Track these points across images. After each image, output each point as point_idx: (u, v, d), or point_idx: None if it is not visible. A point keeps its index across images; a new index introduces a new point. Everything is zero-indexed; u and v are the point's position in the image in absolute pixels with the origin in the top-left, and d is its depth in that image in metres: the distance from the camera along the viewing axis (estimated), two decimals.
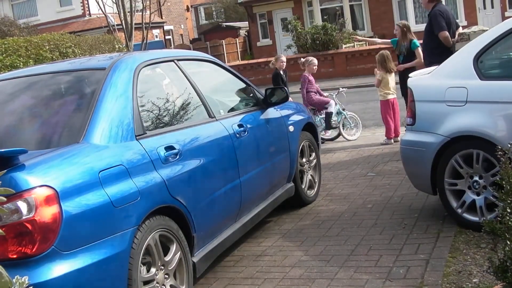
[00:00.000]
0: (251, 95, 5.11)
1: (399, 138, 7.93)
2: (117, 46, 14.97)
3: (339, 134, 9.08)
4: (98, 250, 2.88)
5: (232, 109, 4.84)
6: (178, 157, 3.63)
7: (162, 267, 3.34)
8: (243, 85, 5.15)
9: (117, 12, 16.47)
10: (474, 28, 20.03)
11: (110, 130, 3.29)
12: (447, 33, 6.88)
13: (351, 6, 26.11)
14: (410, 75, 5.09)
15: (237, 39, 32.44)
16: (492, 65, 4.62)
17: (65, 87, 3.78)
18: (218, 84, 5.10)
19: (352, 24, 25.64)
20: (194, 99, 4.26)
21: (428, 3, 7.12)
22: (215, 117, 4.32)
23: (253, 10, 28.66)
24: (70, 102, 3.64)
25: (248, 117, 4.76)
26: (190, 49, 27.65)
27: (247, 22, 30.71)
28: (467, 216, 4.40)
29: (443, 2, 9.53)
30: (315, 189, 5.85)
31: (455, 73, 4.55)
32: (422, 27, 8.81)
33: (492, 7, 24.75)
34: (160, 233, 3.32)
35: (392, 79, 8.30)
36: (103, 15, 17.32)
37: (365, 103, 11.85)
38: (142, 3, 16.98)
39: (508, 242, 2.87)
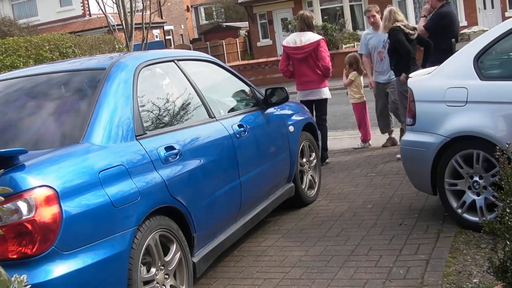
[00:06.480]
0: (251, 95, 5.11)
1: (371, 142, 8.20)
2: (117, 46, 14.98)
3: None
4: (98, 250, 2.88)
5: (232, 109, 4.84)
6: (178, 157, 3.63)
7: (162, 267, 3.34)
8: (243, 85, 5.15)
9: (117, 12, 16.49)
10: (474, 28, 20.03)
11: (110, 130, 3.29)
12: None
13: (351, 6, 26.12)
14: (410, 75, 5.08)
15: (237, 39, 32.42)
16: (492, 65, 4.61)
17: (65, 87, 3.78)
18: (218, 84, 5.10)
19: (352, 24, 25.65)
20: (194, 99, 4.25)
21: (437, 1, 7.07)
22: (215, 117, 4.32)
23: (253, 10, 28.68)
24: (70, 102, 3.64)
25: (248, 117, 4.76)
26: (190, 49, 27.64)
27: (247, 22, 30.72)
28: (467, 216, 4.40)
29: None
30: (315, 189, 5.85)
31: (455, 73, 4.54)
32: None
33: (492, 7, 24.76)
34: (160, 233, 3.32)
35: (362, 80, 8.35)
36: (103, 15, 17.35)
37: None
38: (142, 3, 17.00)
39: (508, 242, 2.86)
